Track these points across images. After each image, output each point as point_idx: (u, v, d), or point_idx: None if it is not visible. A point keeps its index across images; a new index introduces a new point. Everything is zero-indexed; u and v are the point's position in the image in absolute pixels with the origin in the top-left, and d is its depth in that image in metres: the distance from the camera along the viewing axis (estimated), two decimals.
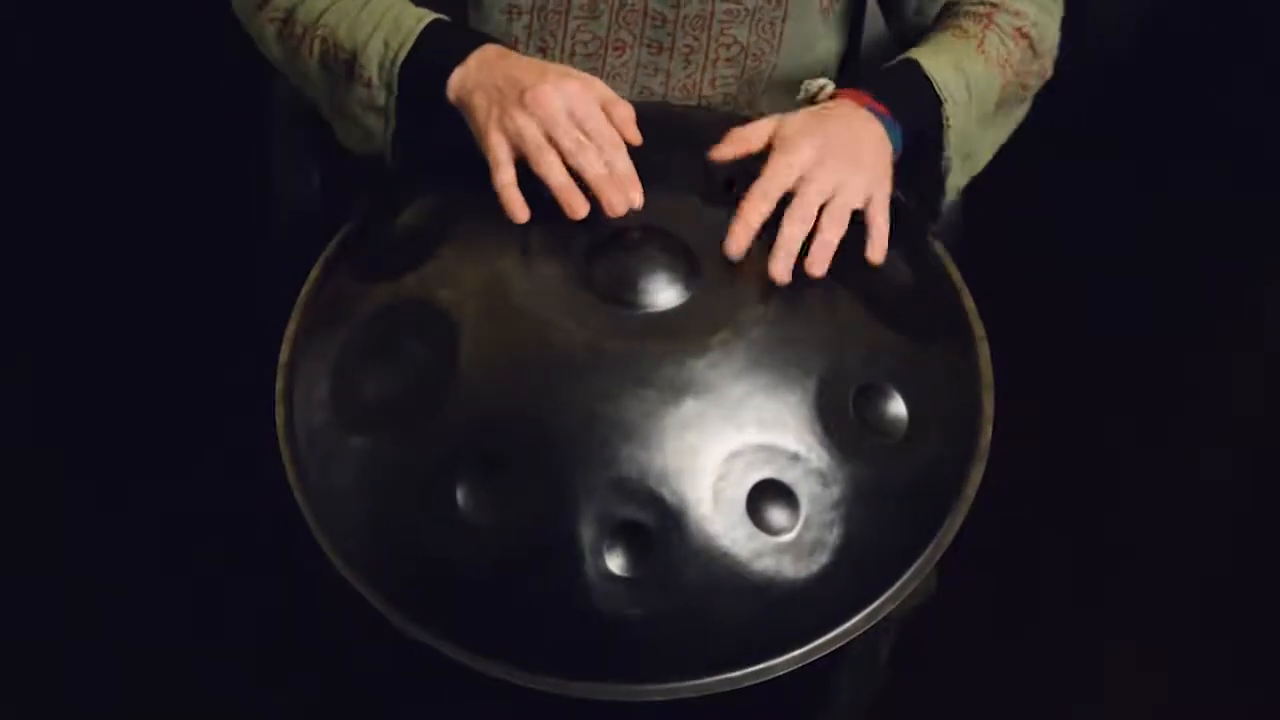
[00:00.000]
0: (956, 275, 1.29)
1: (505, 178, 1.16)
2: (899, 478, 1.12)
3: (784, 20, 1.36)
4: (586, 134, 1.15)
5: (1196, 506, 2.08)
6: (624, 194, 1.14)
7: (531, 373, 1.11)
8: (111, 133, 2.49)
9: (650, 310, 1.12)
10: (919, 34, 1.38)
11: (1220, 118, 2.57)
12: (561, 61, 1.35)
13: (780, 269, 1.13)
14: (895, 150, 1.23)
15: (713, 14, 1.34)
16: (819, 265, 1.14)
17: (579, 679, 1.09)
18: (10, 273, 2.33)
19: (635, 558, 1.06)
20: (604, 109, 1.18)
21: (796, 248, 1.14)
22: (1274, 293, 2.41)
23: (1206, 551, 2.03)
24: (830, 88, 1.28)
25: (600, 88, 1.19)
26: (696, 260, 1.14)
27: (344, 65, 1.25)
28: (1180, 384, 2.24)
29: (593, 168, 1.14)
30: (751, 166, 1.18)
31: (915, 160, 1.28)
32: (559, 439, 1.08)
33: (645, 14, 1.34)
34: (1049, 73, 1.39)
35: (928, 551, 1.12)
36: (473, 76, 1.19)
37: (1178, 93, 2.57)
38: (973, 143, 1.33)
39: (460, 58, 1.20)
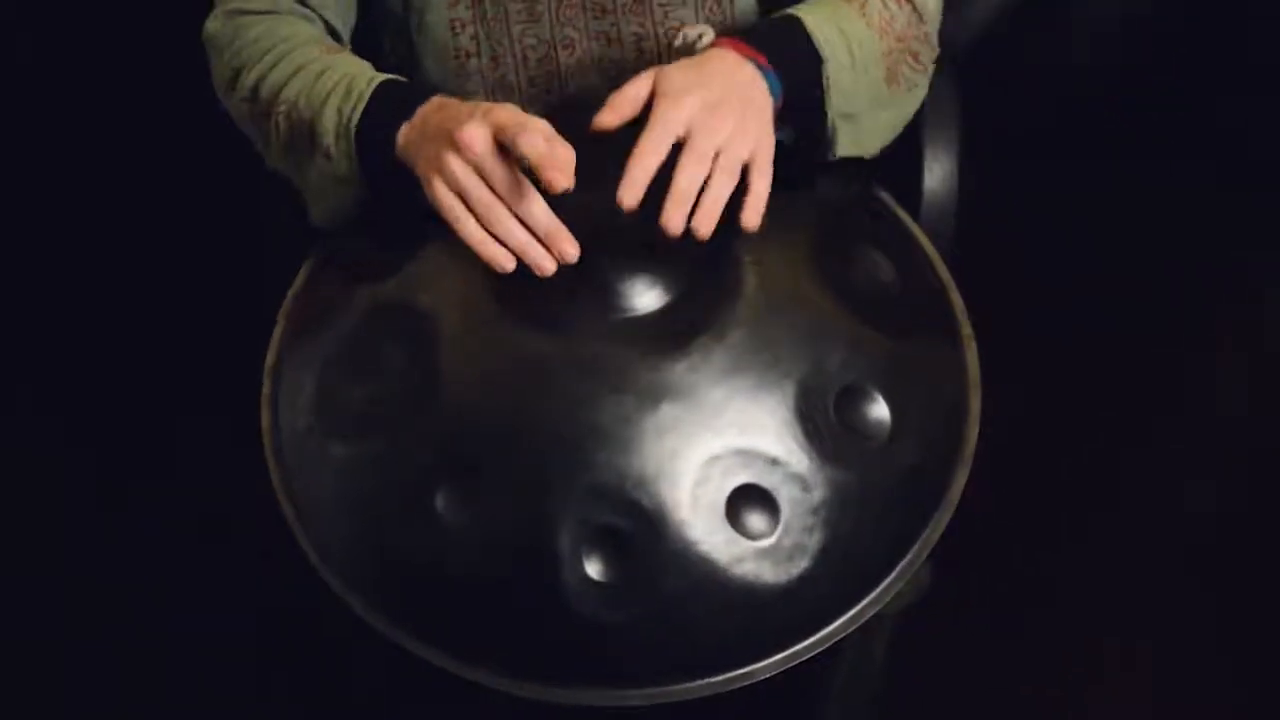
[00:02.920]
0: (944, 273, 1.27)
1: (472, 232, 1.13)
2: (882, 481, 1.12)
3: (732, 2, 1.34)
4: (504, 133, 1.10)
5: (1187, 506, 2.08)
6: (568, 243, 1.12)
7: (510, 378, 1.11)
8: (107, 136, 2.49)
9: (629, 314, 1.12)
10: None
11: (1211, 117, 2.56)
12: (515, 67, 1.34)
13: (674, 220, 1.10)
14: (775, 100, 1.20)
15: None
16: (707, 222, 1.11)
17: (560, 684, 1.09)
18: (10, 273, 2.34)
19: (614, 563, 1.06)
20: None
21: (692, 198, 1.11)
22: (1267, 293, 2.40)
23: (1197, 550, 2.02)
24: (710, 36, 1.25)
25: (532, 120, 1.12)
26: (676, 264, 1.14)
27: (306, 136, 1.23)
28: (1171, 384, 2.23)
29: (536, 221, 1.12)
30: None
31: (799, 125, 1.26)
32: (538, 444, 1.08)
33: (584, 7, 1.32)
34: (936, 45, 1.35)
35: (911, 555, 1.12)
36: (416, 129, 1.17)
37: (1169, 91, 2.56)
38: (858, 109, 1.27)
39: (409, 114, 1.18)
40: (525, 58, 1.34)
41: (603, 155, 1.13)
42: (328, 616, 1.20)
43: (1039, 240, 2.36)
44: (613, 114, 1.14)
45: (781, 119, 1.22)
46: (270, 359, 1.23)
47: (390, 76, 1.23)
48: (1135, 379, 2.23)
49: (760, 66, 1.20)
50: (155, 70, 2.50)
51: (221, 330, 1.81)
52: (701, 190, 1.13)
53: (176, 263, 2.32)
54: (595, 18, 1.33)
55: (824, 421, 1.10)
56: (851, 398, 1.13)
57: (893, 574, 1.11)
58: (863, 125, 1.28)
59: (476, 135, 1.11)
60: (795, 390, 1.10)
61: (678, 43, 1.28)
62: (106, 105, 2.51)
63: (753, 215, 1.15)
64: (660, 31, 1.34)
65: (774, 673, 1.08)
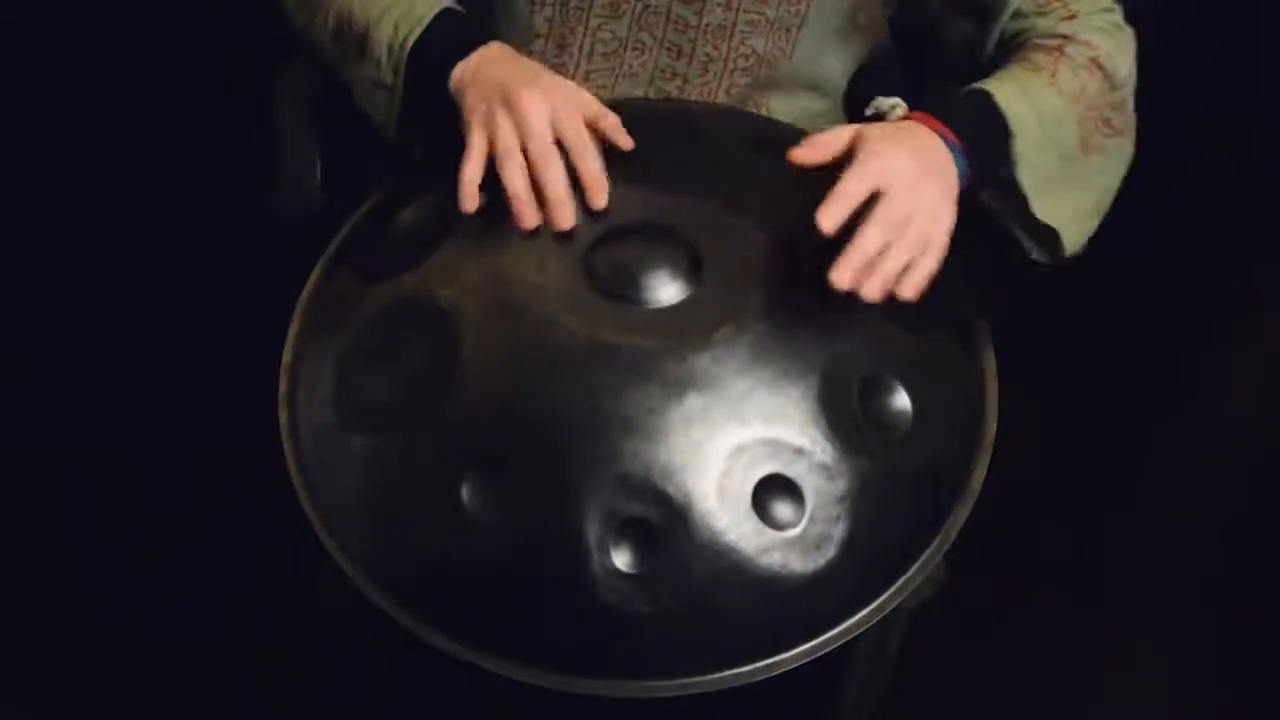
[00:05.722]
0: (960, 267, 1.28)
1: (470, 172, 1.16)
2: (904, 471, 1.12)
3: (800, 28, 1.35)
4: (563, 140, 1.15)
5: (1200, 504, 2.09)
6: (563, 219, 1.14)
7: (534, 370, 1.11)
8: (112, 132, 2.48)
9: (653, 306, 1.12)
10: (972, 73, 1.30)
11: (1211, 117, 2.57)
12: (580, 60, 1.35)
13: (843, 277, 1.08)
14: (962, 180, 1.18)
15: (735, 24, 1.33)
16: (878, 289, 1.10)
17: (586, 676, 1.09)
18: (10, 273, 2.33)
19: (641, 554, 1.06)
20: (589, 122, 1.17)
21: (870, 257, 1.09)
22: (1266, 292, 2.42)
23: (1210, 547, 2.03)
24: (902, 109, 1.23)
25: (587, 99, 1.18)
26: (698, 256, 1.14)
27: (356, 41, 1.26)
28: (1186, 379, 2.24)
29: (551, 186, 1.14)
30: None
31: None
32: (562, 436, 1.08)
33: (668, 17, 1.33)
34: (1131, 105, 1.32)
35: (934, 545, 1.12)
36: (471, 71, 1.19)
37: (1170, 91, 2.57)
38: (1051, 178, 1.25)
39: (465, 52, 1.20)
40: (592, 50, 1.35)
41: (627, 155, 1.15)
42: (349, 611, 1.21)
43: None
44: (810, 152, 1.14)
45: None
46: (287, 356, 1.23)
47: (452, 6, 1.25)
48: (1146, 374, 2.24)
49: (950, 144, 1.18)
50: (156, 70, 2.51)
51: (235, 325, 1.81)
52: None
53: (186, 262, 2.32)
54: (676, 30, 1.34)
55: (847, 412, 1.11)
56: (874, 389, 1.13)
57: (918, 562, 1.11)
58: (1057, 198, 1.26)
59: (536, 109, 1.14)
60: (819, 381, 1.10)
61: (869, 111, 1.25)
62: (107, 105, 2.51)
63: (912, 289, 1.12)
64: (732, 56, 1.35)
65: (801, 663, 1.08)
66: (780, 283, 1.14)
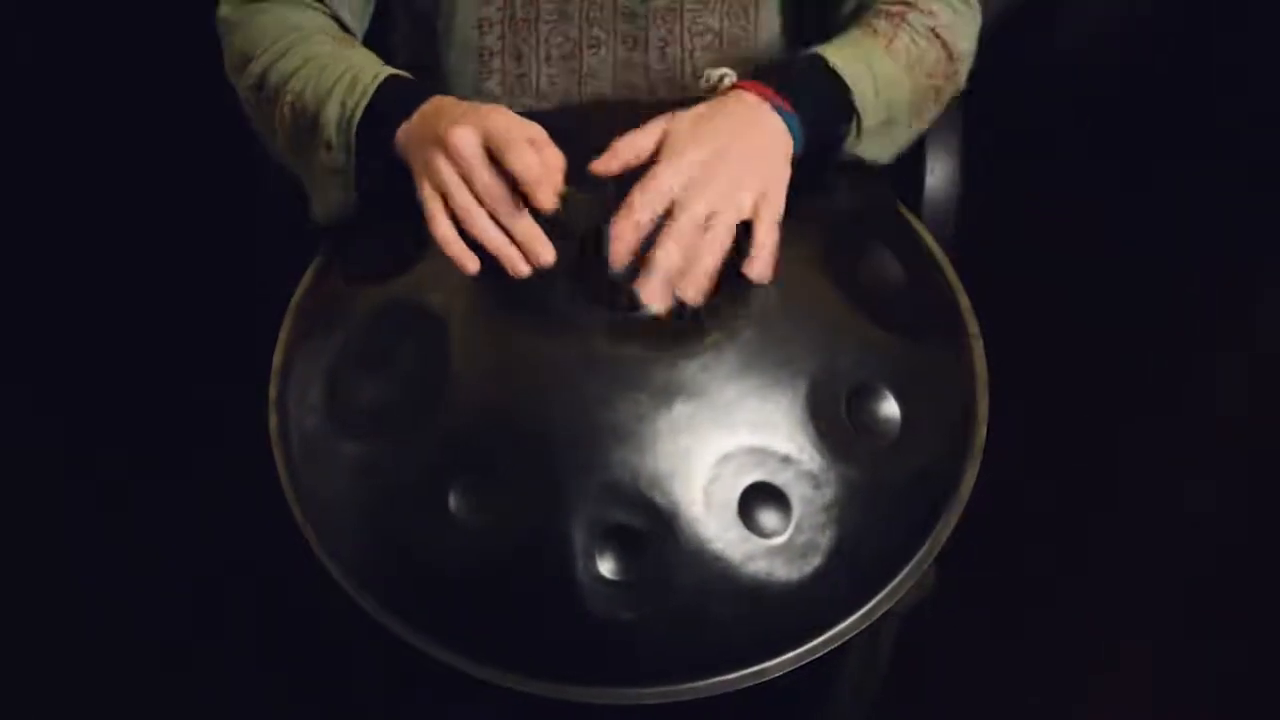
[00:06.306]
0: (951, 273, 1.28)
1: (442, 231, 1.13)
2: (892, 479, 1.12)
3: (756, 5, 1.35)
4: (496, 152, 1.11)
5: (1187, 506, 2.09)
6: (544, 249, 1.11)
7: (523, 376, 1.11)
8: (107, 134, 2.49)
9: (641, 313, 1.11)
10: (825, 33, 1.31)
11: (1211, 117, 2.57)
12: (539, 67, 1.35)
13: (653, 295, 1.08)
14: (796, 143, 1.17)
15: (682, 3, 1.33)
16: (693, 290, 1.08)
17: (573, 683, 1.09)
18: (9, 273, 2.33)
19: (628, 561, 1.06)
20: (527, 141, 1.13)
21: (669, 272, 1.08)
22: (1267, 294, 2.41)
23: (1197, 550, 2.04)
24: (732, 78, 1.23)
25: (521, 128, 1.13)
26: None
27: (309, 127, 1.23)
28: (1172, 384, 2.24)
29: (516, 227, 1.12)
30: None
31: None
32: (551, 443, 1.08)
33: (615, 9, 1.33)
34: (963, 80, 1.33)
35: (922, 553, 1.12)
36: (412, 131, 1.17)
37: (1169, 92, 2.57)
38: (875, 137, 1.26)
39: (409, 114, 1.18)
40: (549, 55, 1.35)
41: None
42: (337, 616, 1.21)
43: (1038, 240, 2.37)
44: (614, 160, 1.12)
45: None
46: (277, 360, 1.22)
47: (395, 72, 1.23)
48: (1136, 379, 2.24)
49: (781, 110, 1.17)
50: (155, 70, 2.52)
51: (227, 332, 1.81)
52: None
53: (179, 263, 2.32)
54: (625, 20, 1.34)
55: (835, 420, 1.11)
56: (862, 396, 1.13)
57: (904, 570, 1.11)
58: (873, 142, 1.27)
59: (464, 138, 1.11)
60: (807, 388, 1.10)
61: (702, 84, 1.25)
62: (106, 105, 2.52)
63: (759, 268, 1.11)
64: (686, 38, 1.35)
65: (786, 671, 1.08)
66: (770, 289, 1.13)
